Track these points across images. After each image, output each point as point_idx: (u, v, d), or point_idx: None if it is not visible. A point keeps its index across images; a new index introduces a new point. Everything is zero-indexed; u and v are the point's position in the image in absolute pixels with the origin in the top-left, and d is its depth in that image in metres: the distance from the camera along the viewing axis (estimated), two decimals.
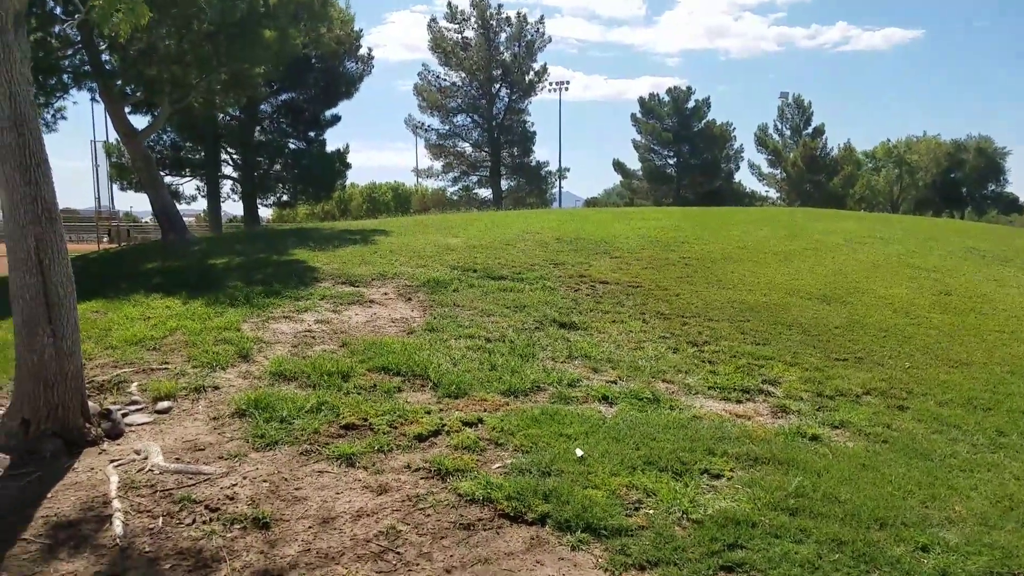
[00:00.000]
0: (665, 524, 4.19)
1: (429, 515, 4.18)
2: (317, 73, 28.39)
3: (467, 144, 49.68)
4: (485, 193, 50.15)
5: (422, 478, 4.63)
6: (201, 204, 33.56)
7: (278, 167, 30.47)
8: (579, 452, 5.03)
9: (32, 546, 3.80)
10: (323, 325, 8.03)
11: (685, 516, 4.31)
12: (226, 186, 31.00)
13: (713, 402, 6.59)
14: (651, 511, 4.34)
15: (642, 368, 7.24)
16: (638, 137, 59.43)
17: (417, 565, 3.71)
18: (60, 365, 5.08)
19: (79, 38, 14.51)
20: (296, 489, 4.44)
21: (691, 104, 58.38)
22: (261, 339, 7.42)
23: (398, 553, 3.79)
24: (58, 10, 13.60)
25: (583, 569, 3.76)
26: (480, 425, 5.53)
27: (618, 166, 61.86)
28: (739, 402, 6.64)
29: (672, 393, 6.70)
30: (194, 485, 4.44)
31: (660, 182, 59.22)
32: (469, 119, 49.22)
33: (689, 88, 58.95)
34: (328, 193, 34.20)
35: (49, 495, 4.33)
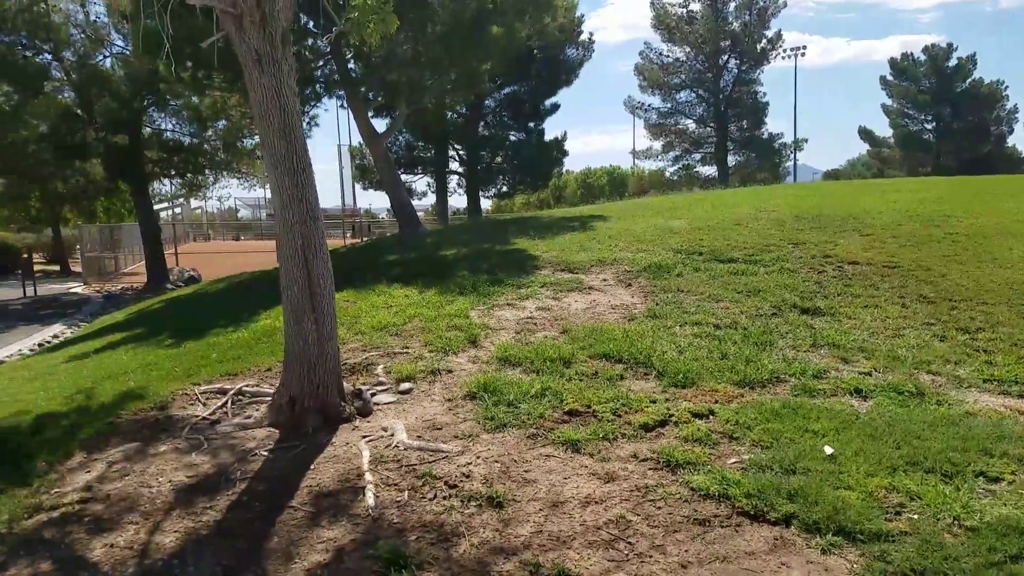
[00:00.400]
0: (933, 530, 3.73)
1: (660, 507, 4.10)
2: (538, 63, 29.21)
3: (690, 121, 48.22)
4: (708, 171, 48.41)
5: (650, 469, 4.56)
6: (430, 199, 36.25)
7: (499, 160, 31.96)
8: (828, 450, 4.64)
9: (298, 513, 4.32)
10: (544, 312, 8.25)
11: (956, 522, 3.82)
12: (452, 181, 33.26)
13: (989, 396, 5.75)
14: (915, 516, 3.89)
15: (902, 358, 6.50)
16: (888, 101, 53.48)
17: (650, 557, 3.66)
18: (321, 349, 5.71)
19: (328, 50, 16.33)
20: (525, 471, 4.61)
21: (952, 62, 51.29)
22: (487, 325, 7.81)
23: (629, 543, 3.77)
24: (311, 24, 15.41)
25: (835, 574, 3.46)
26: (711, 417, 5.32)
27: (864, 134, 56.17)
28: (1021, 396, 5.73)
29: (939, 386, 5.94)
30: (434, 462, 4.79)
31: (915, 149, 52.77)
32: (693, 95, 47.67)
33: (950, 45, 51.89)
34: (545, 182, 35.26)
35: (312, 466, 4.91)
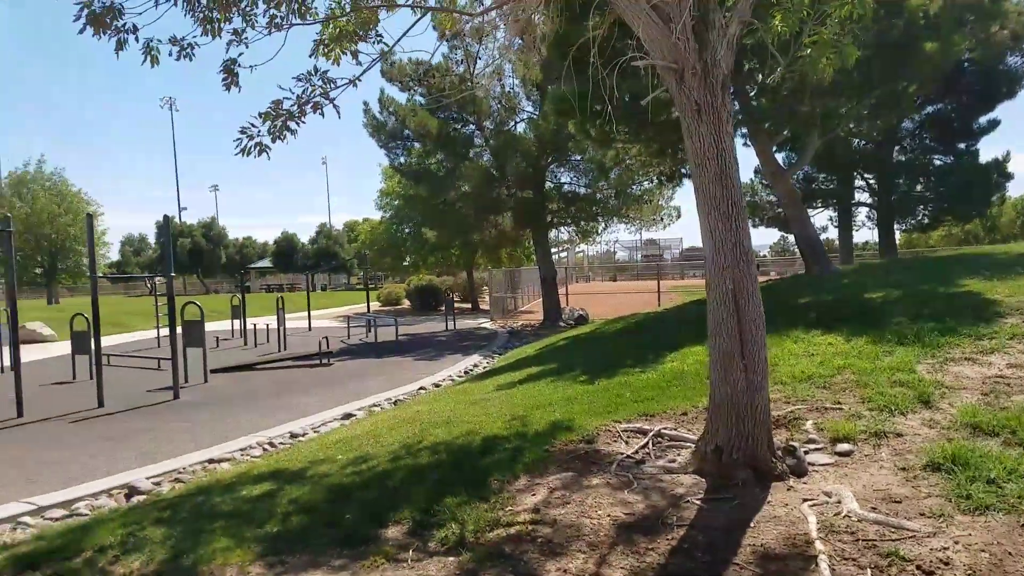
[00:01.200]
0: None
1: None
2: (969, 76, 25.65)
3: None
4: None
5: None
6: (828, 234, 33.98)
7: (919, 187, 28.54)
8: None
9: (744, 572, 4.20)
10: (1018, 370, 6.99)
11: None
12: (860, 214, 30.69)
13: None
14: None
15: None
16: None
17: None
18: (751, 399, 5.59)
19: (732, 89, 16.49)
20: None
21: None
22: (941, 383, 6.88)
23: None
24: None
25: None
26: None
27: None
28: None
29: None
30: (898, 540, 4.29)
31: None
32: None
33: None
34: (981, 211, 30.38)
35: (751, 524, 4.77)
